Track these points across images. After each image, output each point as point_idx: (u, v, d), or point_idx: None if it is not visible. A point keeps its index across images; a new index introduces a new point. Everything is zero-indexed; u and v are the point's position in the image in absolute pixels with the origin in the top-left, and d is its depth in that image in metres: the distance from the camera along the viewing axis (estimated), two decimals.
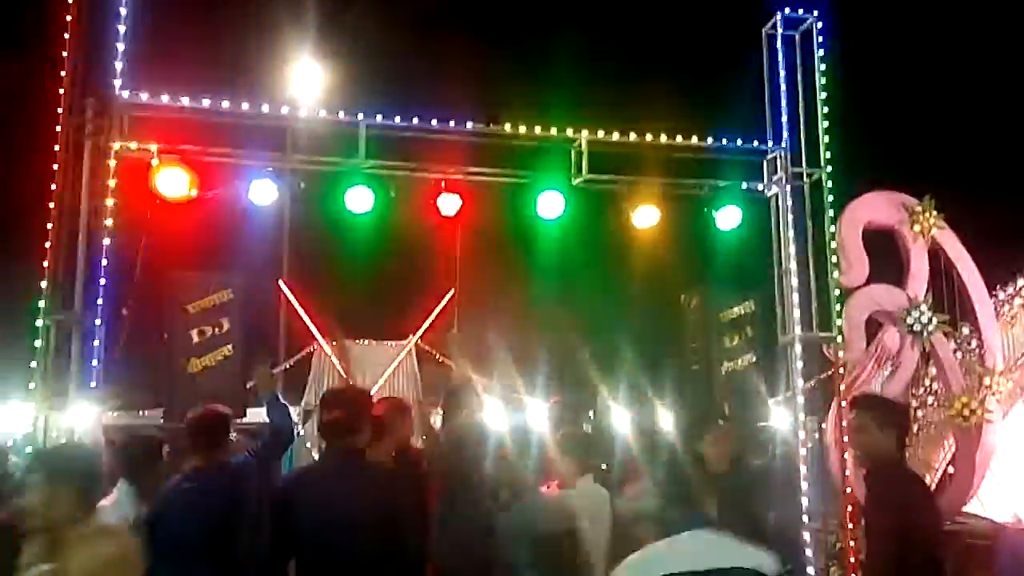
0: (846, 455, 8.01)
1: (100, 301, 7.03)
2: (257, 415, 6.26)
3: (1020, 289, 9.87)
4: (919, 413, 9.38)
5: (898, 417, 4.68)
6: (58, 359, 6.87)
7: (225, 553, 4.56)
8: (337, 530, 4.10)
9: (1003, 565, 8.00)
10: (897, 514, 4.20)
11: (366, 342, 11.98)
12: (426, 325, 11.96)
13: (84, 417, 6.83)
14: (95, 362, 6.97)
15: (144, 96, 7.41)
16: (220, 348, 7.74)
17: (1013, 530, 8.63)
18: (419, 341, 11.98)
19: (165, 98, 7.49)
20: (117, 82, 7.29)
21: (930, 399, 9.44)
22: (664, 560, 2.86)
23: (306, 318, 10.59)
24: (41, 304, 6.79)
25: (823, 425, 8.59)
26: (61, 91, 7.02)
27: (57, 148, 6.96)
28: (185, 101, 7.54)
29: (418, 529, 4.44)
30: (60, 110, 7.00)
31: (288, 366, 10.73)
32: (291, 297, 10.54)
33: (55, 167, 6.92)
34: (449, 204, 8.21)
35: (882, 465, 4.44)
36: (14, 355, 6.99)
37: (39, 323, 6.76)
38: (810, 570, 7.35)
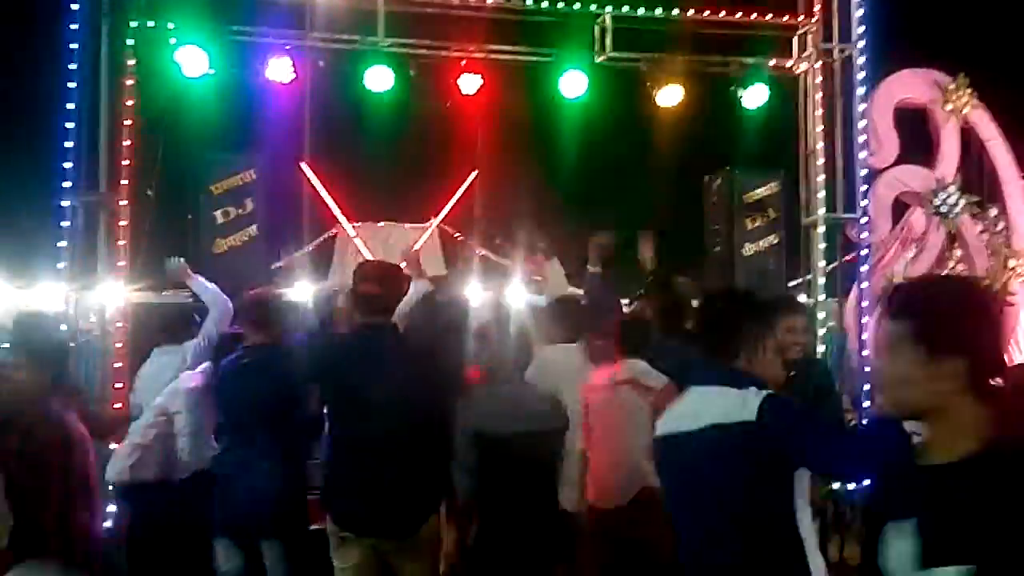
0: (863, 337, 8.07)
1: (124, 181, 7.08)
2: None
3: None
4: None
5: None
6: (85, 239, 6.96)
7: (280, 425, 4.69)
8: (368, 405, 4.19)
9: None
10: None
11: (389, 224, 12.01)
12: (448, 207, 11.96)
13: (113, 295, 6.97)
14: (122, 242, 7.06)
15: None
16: (245, 228, 7.82)
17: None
18: (441, 223, 12.00)
19: None
20: None
21: None
22: (667, 420, 2.97)
23: (328, 199, 10.60)
24: (66, 185, 6.83)
25: (844, 306, 8.60)
26: None
27: (74, 26, 6.88)
28: None
29: (445, 404, 4.43)
30: None
31: (311, 248, 10.82)
32: (313, 178, 10.52)
33: (73, 46, 6.86)
34: (470, 83, 8.10)
35: None
36: (42, 236, 7.08)
37: (65, 204, 6.82)
38: None
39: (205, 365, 5.31)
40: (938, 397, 1.83)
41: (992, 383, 1.86)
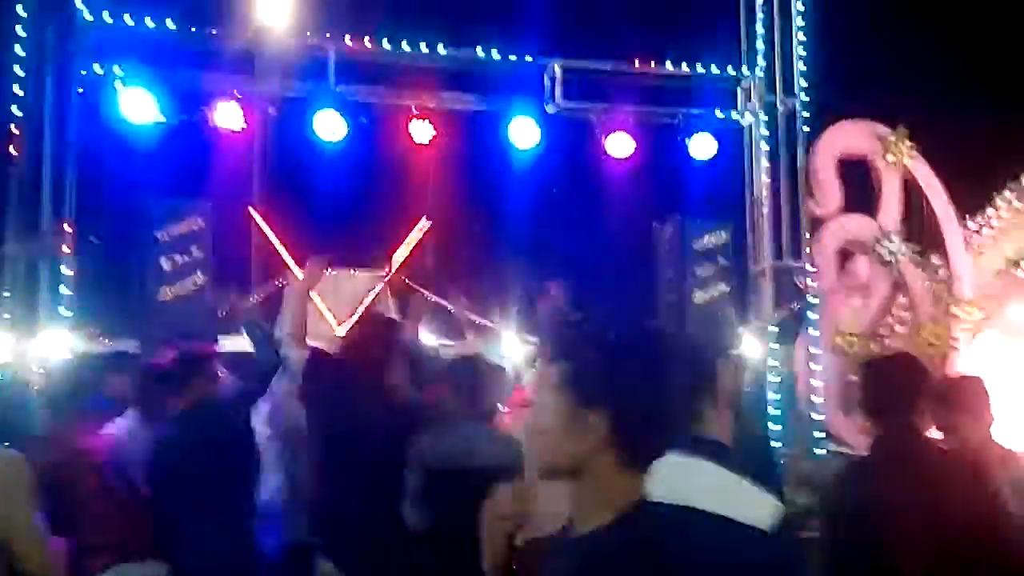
0: (811, 381, 8.18)
1: (68, 228, 6.94)
2: (232, 344, 6.20)
3: (989, 219, 9.95)
4: (887, 342, 9.51)
5: None
6: (27, 287, 6.80)
7: (225, 486, 4.56)
8: (355, 459, 4.32)
9: None
10: None
11: (339, 271, 11.89)
12: (401, 256, 11.91)
13: (56, 345, 6.79)
14: (66, 291, 6.90)
15: (107, 17, 7.22)
16: (191, 276, 7.69)
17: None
18: (393, 271, 11.94)
19: (129, 19, 7.30)
20: (80, 3, 7.09)
21: (898, 327, 9.57)
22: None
23: (279, 247, 10.48)
24: (8, 232, 6.69)
25: (793, 353, 8.69)
26: (22, 13, 6.82)
27: (19, 71, 6.78)
28: (149, 22, 7.36)
29: None
30: (21, 31, 6.81)
31: (258, 297, 10.66)
32: (263, 225, 10.42)
33: (18, 90, 6.76)
34: (421, 131, 8.12)
35: None
36: None
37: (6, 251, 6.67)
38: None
39: (128, 413, 5.12)
40: (580, 455, 1.56)
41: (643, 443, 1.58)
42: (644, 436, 1.58)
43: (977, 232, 10.00)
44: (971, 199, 9.85)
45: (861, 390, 3.57)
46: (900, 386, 3.39)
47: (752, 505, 2.05)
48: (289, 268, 11.23)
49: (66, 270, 6.85)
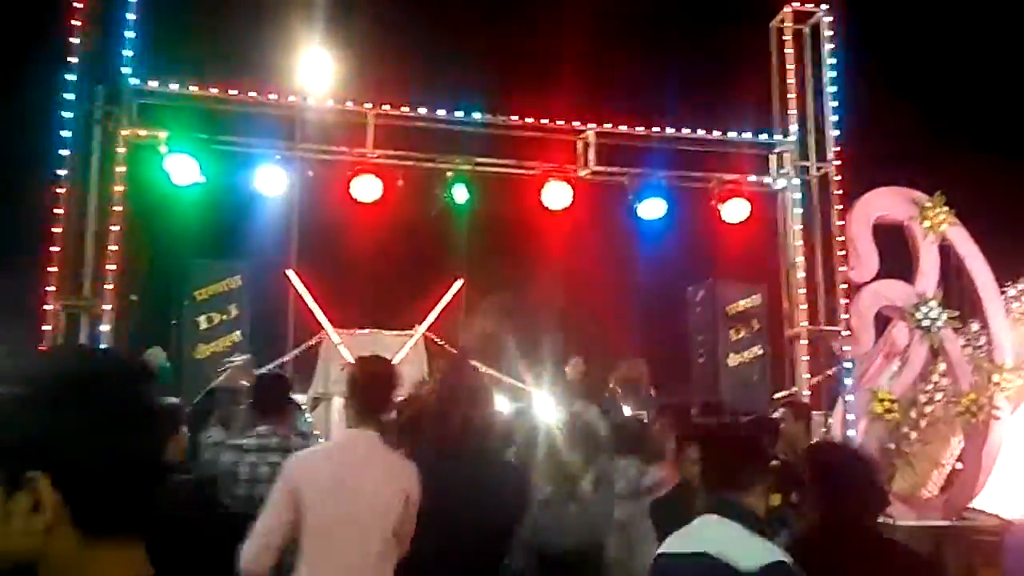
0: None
1: (109, 286, 7.08)
2: None
3: None
4: (927, 409, 9.34)
5: None
6: (67, 345, 6.91)
7: None
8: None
9: (1011, 562, 7.96)
10: None
11: (374, 331, 11.94)
12: (433, 315, 11.95)
13: None
14: (103, 347, 7.01)
15: (154, 83, 7.45)
16: (228, 335, 7.80)
17: (1021, 526, 8.57)
18: (426, 331, 11.97)
19: (174, 86, 7.52)
20: (127, 69, 7.33)
21: (938, 395, 9.38)
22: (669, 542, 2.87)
23: (313, 306, 10.61)
24: (51, 289, 6.83)
25: (830, 420, 8.56)
26: (71, 77, 7.06)
27: (67, 134, 7.00)
28: (194, 89, 7.57)
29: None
30: (70, 96, 7.05)
31: (296, 354, 10.78)
32: (298, 285, 10.56)
33: (64, 153, 6.96)
34: (457, 194, 8.21)
35: None
36: (21, 341, 7.03)
37: (48, 308, 6.81)
38: None
39: None
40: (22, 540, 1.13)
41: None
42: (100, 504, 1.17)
43: (1017, 298, 9.84)
44: (1009, 266, 9.72)
45: (808, 474, 3.57)
46: (840, 472, 3.41)
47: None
48: (324, 327, 11.36)
49: (104, 327, 6.97)
